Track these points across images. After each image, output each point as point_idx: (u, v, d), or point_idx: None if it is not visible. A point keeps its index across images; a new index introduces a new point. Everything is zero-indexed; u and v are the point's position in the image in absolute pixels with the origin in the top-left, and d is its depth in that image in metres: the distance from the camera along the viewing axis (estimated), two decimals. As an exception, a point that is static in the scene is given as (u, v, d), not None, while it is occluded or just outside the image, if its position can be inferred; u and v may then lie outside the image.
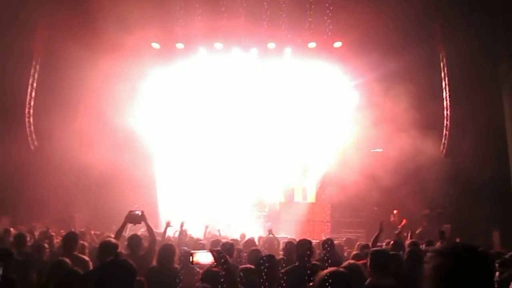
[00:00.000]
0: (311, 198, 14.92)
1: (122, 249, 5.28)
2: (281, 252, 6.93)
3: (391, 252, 4.94)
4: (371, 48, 13.24)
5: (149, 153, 13.98)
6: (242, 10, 12.42)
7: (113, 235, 5.73)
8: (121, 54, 11.97)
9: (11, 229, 8.02)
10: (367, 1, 12.81)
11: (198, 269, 4.42)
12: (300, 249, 4.78)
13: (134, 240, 5.35)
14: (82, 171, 12.13)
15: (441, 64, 14.19)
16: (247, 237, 9.21)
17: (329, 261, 3.97)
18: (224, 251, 4.41)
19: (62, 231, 8.81)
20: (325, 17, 11.76)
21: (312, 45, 14.88)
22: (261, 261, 3.88)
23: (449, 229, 12.18)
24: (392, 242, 6.47)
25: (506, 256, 5.82)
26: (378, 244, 6.18)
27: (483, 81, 12.64)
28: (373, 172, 12.51)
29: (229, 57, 15.22)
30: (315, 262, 4.65)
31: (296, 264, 4.66)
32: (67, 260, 4.13)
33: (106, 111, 12.83)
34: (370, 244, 6.15)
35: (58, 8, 12.24)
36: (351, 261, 4.50)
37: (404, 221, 12.00)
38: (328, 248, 5.71)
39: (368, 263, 4.01)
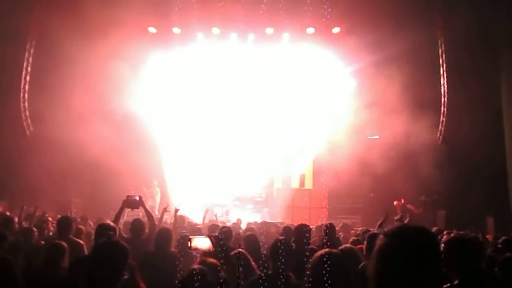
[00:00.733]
0: (308, 184, 14.98)
1: (124, 233, 5.32)
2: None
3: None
4: (370, 33, 13.13)
5: (147, 137, 13.87)
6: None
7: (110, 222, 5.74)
8: (118, 37, 11.81)
9: (7, 213, 8.00)
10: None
11: (196, 254, 4.45)
12: (298, 234, 4.80)
13: (137, 225, 5.41)
14: (79, 156, 12.07)
15: (439, 50, 14.12)
16: (244, 223, 9.28)
17: (328, 244, 3.99)
18: (222, 236, 4.44)
19: (59, 216, 8.79)
20: (324, 2, 11.62)
21: (310, 30, 14.75)
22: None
23: (444, 215, 12.32)
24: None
25: (499, 241, 5.90)
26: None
27: (482, 68, 12.59)
28: (369, 158, 12.55)
29: (227, 43, 15.06)
30: (313, 247, 4.67)
31: (294, 248, 4.68)
32: (63, 243, 4.15)
33: (103, 93, 12.71)
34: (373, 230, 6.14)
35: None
36: (347, 245, 4.53)
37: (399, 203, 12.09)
38: (328, 233, 5.73)
39: (365, 247, 4.04)
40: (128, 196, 5.78)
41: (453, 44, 13.35)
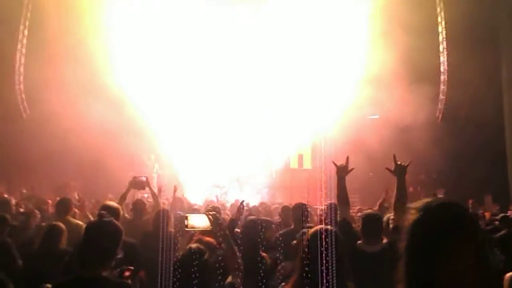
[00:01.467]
0: (307, 164, 14.91)
1: (126, 213, 5.35)
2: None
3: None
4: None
5: (143, 113, 13.64)
6: None
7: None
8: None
9: (5, 195, 8.00)
10: None
11: (193, 233, 4.42)
12: (295, 212, 4.81)
13: (139, 205, 5.51)
14: (76, 138, 11.98)
15: (440, 27, 13.91)
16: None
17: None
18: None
19: (58, 199, 8.78)
20: None
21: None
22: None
23: (443, 194, 12.35)
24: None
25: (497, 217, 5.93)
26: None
27: (483, 45, 12.42)
28: (368, 138, 12.48)
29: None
30: (310, 225, 4.66)
31: (292, 227, 4.69)
32: (60, 224, 4.13)
33: (95, 66, 12.53)
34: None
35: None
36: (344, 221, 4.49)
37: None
38: (332, 212, 5.69)
39: (360, 227, 4.01)
40: (134, 177, 5.81)
41: (454, 22, 13.11)
